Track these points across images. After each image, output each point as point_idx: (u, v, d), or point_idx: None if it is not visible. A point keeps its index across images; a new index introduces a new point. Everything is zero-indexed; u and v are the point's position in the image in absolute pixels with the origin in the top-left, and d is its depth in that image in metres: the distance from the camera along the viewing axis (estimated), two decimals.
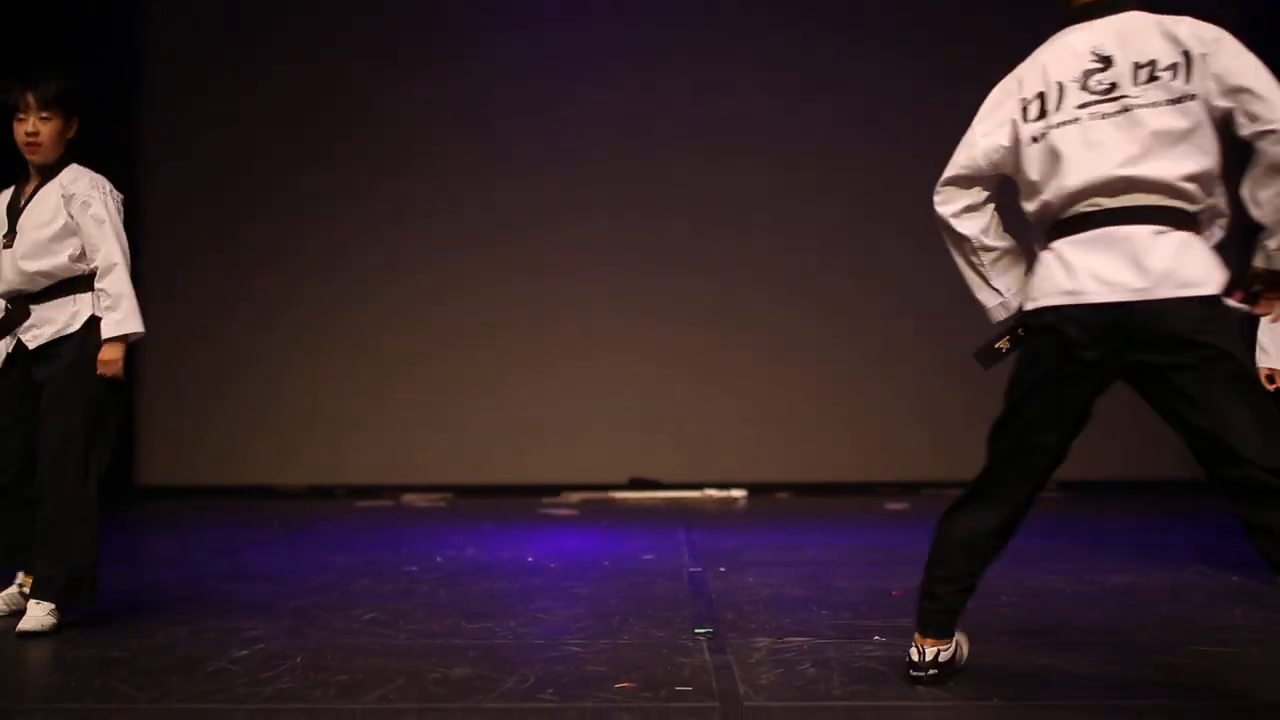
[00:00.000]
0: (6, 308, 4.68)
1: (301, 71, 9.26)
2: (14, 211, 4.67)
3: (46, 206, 4.62)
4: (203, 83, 9.23)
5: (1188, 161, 3.23)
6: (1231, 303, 3.18)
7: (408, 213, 9.25)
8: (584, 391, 9.20)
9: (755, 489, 9.17)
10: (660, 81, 9.33)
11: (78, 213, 4.59)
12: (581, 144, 9.29)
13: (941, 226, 3.59)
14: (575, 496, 8.91)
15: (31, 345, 4.60)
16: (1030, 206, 3.43)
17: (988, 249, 3.57)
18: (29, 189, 4.69)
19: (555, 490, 9.01)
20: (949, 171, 3.57)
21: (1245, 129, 3.21)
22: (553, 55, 9.32)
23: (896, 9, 9.36)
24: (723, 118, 9.27)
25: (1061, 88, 3.39)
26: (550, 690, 3.64)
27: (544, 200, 9.28)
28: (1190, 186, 3.23)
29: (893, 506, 8.29)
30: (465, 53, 9.33)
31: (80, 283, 4.61)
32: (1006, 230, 3.58)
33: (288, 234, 9.18)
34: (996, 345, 3.51)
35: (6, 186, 4.78)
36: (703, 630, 4.38)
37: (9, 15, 8.35)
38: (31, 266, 4.59)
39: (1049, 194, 3.35)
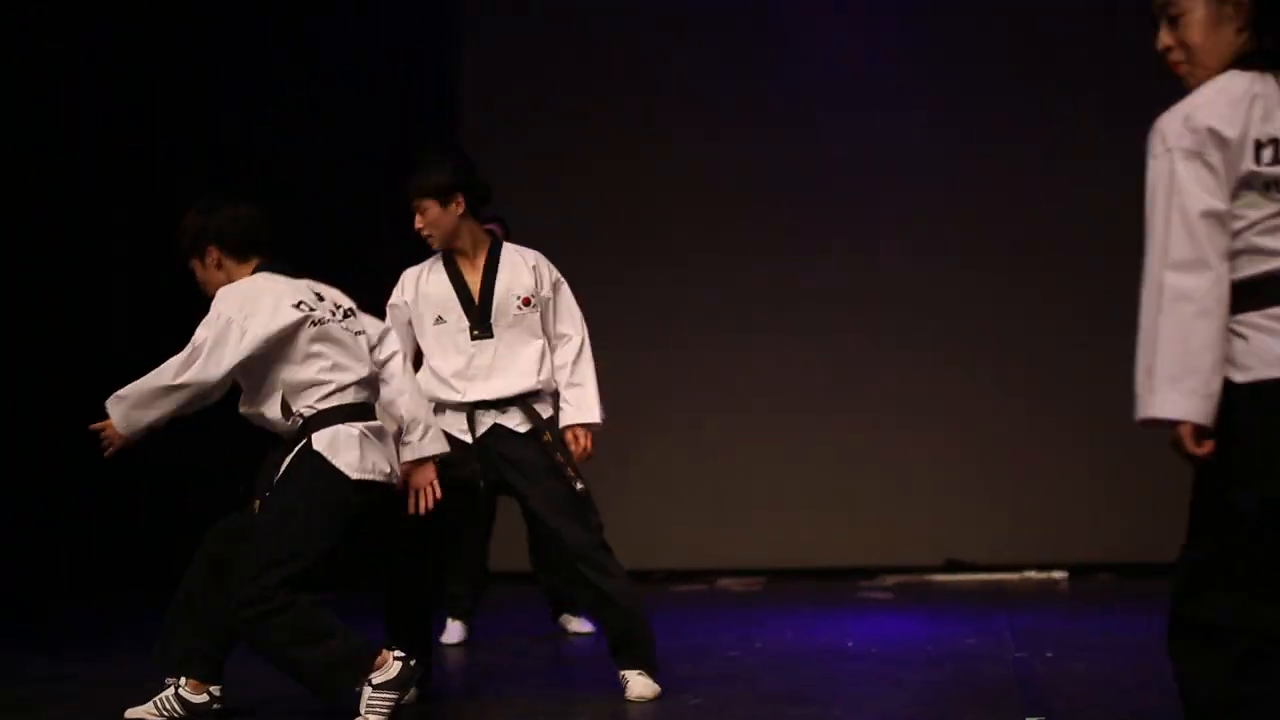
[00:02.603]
0: None
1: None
2: None
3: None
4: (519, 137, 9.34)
5: None
6: None
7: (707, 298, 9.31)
8: (895, 469, 9.09)
9: (1076, 570, 8.90)
10: None
11: None
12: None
13: None
14: (890, 580, 8.80)
15: None
16: None
17: None
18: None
19: (871, 573, 8.91)
20: None
21: None
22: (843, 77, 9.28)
23: None
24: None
25: None
26: None
27: (861, 254, 9.18)
28: None
29: None
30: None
31: None
32: None
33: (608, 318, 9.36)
34: None
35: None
36: (1035, 719, 4.27)
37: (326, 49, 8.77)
38: None
39: None
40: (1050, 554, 9.00)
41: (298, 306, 4.26)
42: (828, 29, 9.33)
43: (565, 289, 4.93)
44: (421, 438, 4.43)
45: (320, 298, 4.36)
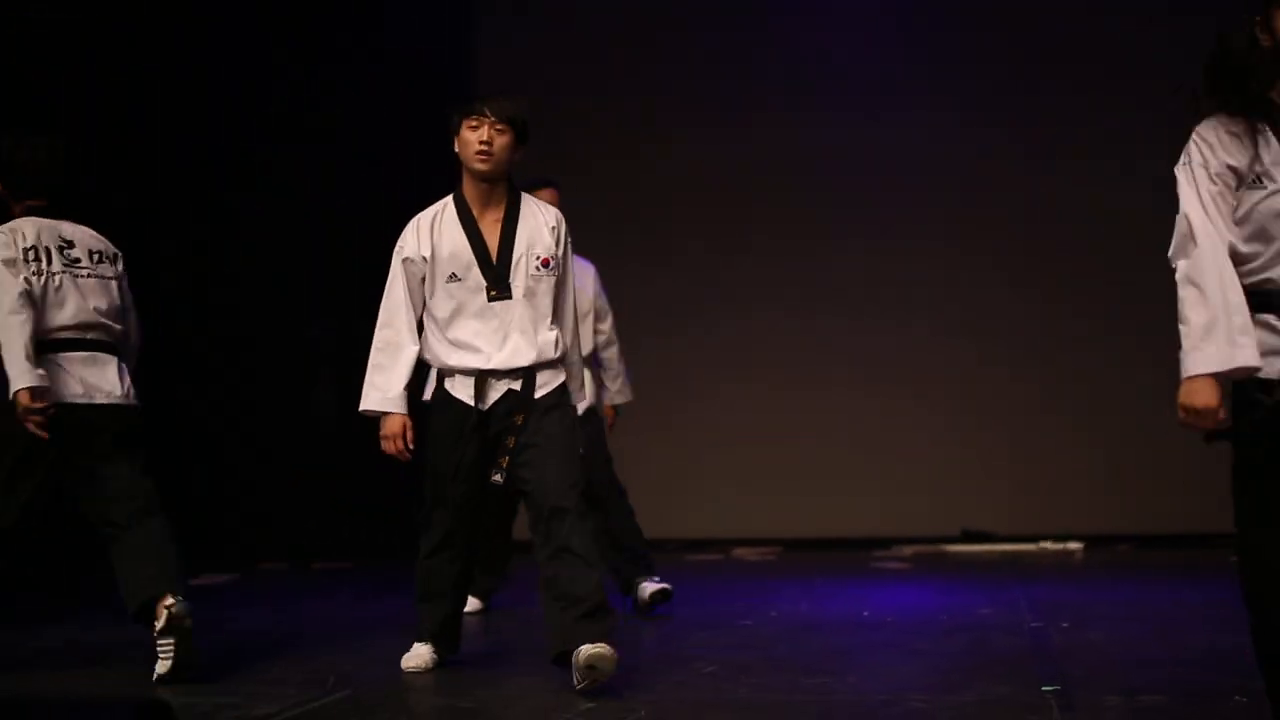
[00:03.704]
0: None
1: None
2: None
3: None
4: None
5: None
6: None
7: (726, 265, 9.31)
8: (912, 440, 9.09)
9: (1093, 541, 8.89)
10: None
11: None
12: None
13: None
14: (906, 550, 8.81)
15: None
16: None
17: None
18: None
19: (886, 544, 8.92)
20: None
21: None
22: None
23: None
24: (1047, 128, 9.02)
25: None
26: None
27: (872, 235, 9.18)
28: None
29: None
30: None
31: None
32: None
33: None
34: None
35: None
36: (1050, 688, 4.27)
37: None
38: None
39: None
40: (1066, 525, 8.99)
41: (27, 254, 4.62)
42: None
43: (569, 263, 4.66)
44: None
45: (71, 244, 4.76)
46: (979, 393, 9.09)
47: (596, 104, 9.27)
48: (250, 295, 8.60)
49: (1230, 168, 3.15)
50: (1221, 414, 3.10)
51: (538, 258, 4.52)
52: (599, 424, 6.17)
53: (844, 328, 9.19)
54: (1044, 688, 4.26)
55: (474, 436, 4.51)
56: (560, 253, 4.58)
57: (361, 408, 4.59)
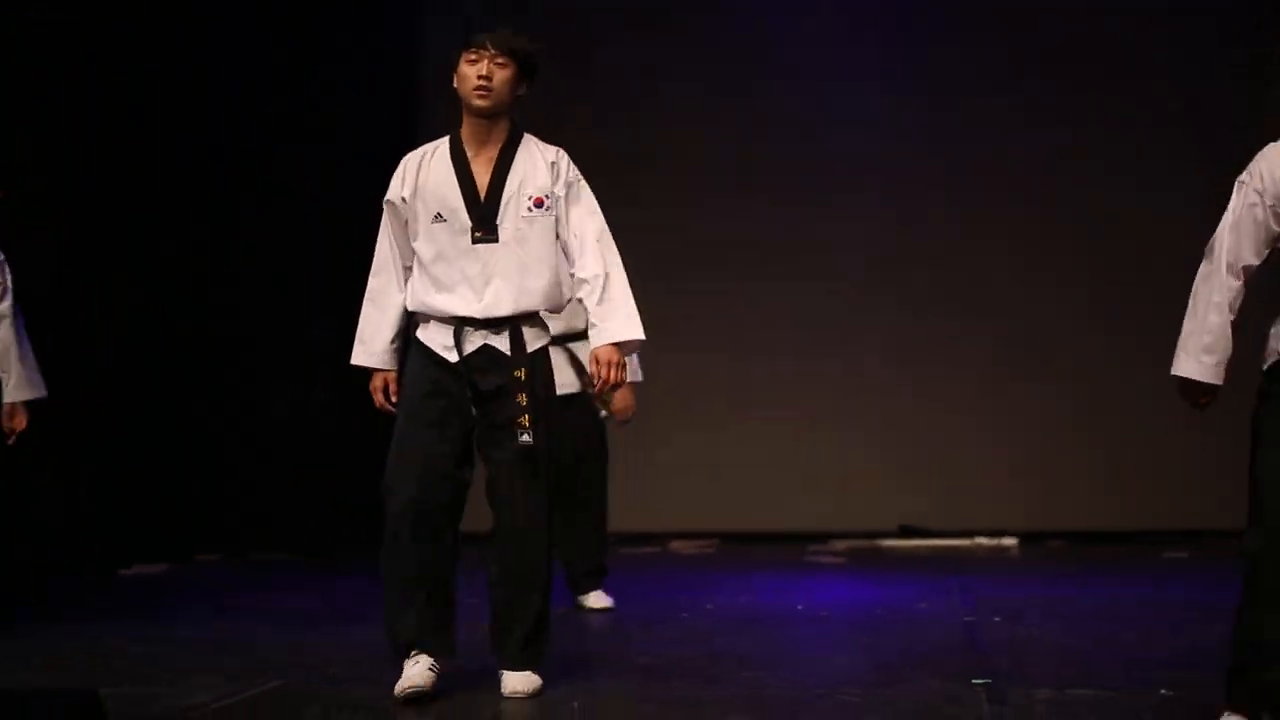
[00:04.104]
0: None
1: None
2: None
3: None
4: None
5: None
6: None
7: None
8: (850, 436, 9.12)
9: (1027, 537, 8.96)
10: None
11: None
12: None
13: None
14: (842, 544, 8.85)
15: None
16: None
17: None
18: None
19: (823, 538, 8.95)
20: None
21: None
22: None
23: None
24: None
25: None
26: None
27: (802, 221, 9.19)
28: None
29: (1171, 555, 8.02)
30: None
31: None
32: None
33: None
34: None
35: None
36: (981, 681, 4.31)
37: None
38: None
39: None
40: (1001, 521, 9.06)
41: None
42: None
43: (583, 189, 4.23)
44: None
45: None
46: (917, 389, 9.12)
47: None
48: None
49: None
50: (1204, 399, 3.64)
51: (529, 197, 4.14)
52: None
53: (787, 322, 9.19)
54: (974, 681, 4.30)
55: (447, 391, 4.13)
56: (560, 190, 4.17)
57: (351, 362, 4.31)
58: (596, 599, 6.02)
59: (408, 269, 4.24)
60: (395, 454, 4.16)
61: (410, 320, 4.27)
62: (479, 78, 4.11)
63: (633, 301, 4.16)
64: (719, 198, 9.08)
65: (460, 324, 4.12)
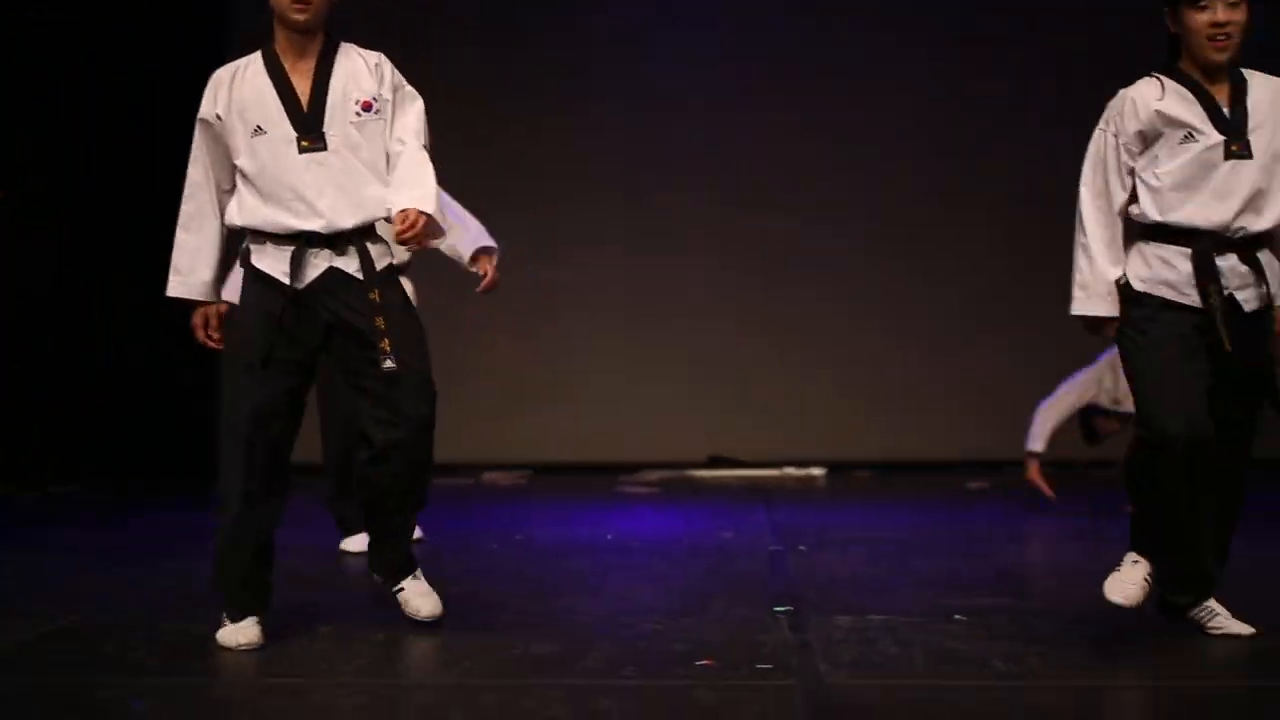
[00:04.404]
0: None
1: None
2: None
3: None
4: None
5: None
6: None
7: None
8: (661, 367, 9.19)
9: (835, 467, 9.13)
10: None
11: None
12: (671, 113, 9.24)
13: None
14: (654, 475, 8.92)
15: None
16: None
17: None
18: None
19: (633, 468, 9.02)
20: None
21: None
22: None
23: None
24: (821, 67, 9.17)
25: None
26: (630, 668, 3.67)
27: (626, 165, 9.22)
28: None
29: (974, 485, 8.24)
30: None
31: None
32: None
33: None
34: None
35: None
36: (783, 609, 4.39)
37: None
38: None
39: None
40: (809, 451, 9.21)
41: None
42: None
43: (410, 96, 4.02)
44: None
45: None
46: (731, 322, 9.23)
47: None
48: None
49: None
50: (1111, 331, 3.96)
51: (356, 101, 3.92)
52: None
53: (601, 250, 9.21)
54: (776, 609, 4.38)
55: (286, 323, 3.90)
56: (387, 94, 3.96)
57: (168, 294, 4.11)
58: None
59: (226, 193, 4.00)
60: (232, 394, 4.05)
61: (239, 250, 4.05)
62: None
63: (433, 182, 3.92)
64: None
65: (301, 245, 3.89)
